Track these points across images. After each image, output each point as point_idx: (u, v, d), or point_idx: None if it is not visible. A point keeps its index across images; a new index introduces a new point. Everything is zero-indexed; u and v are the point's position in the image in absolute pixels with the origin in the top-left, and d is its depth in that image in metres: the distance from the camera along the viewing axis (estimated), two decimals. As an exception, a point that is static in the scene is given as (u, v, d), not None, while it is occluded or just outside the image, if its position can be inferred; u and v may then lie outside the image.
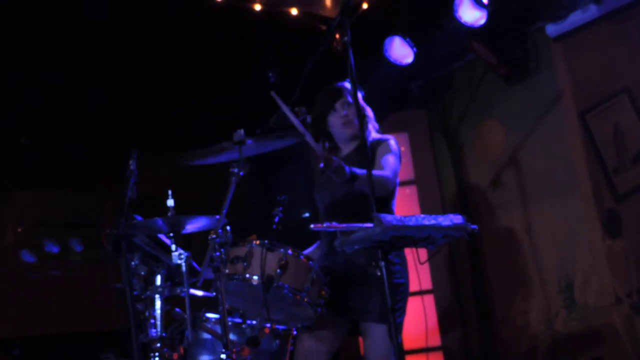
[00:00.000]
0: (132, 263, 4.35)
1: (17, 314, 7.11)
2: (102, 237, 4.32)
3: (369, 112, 4.65)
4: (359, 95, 4.56)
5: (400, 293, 4.35)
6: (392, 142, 4.52)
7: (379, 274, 4.22)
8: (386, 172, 4.30)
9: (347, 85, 4.55)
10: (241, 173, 3.99)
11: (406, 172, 7.13)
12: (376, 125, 4.67)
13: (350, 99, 4.53)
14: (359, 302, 4.33)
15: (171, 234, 4.20)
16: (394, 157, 4.45)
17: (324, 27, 6.51)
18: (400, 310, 4.36)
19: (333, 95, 4.58)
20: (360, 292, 4.33)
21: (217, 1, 6.13)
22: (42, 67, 6.51)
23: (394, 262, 4.30)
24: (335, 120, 4.57)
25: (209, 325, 4.52)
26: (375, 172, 3.61)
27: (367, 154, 4.00)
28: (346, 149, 4.62)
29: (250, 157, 4.12)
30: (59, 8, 5.91)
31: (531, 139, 6.58)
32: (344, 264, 4.39)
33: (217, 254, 3.76)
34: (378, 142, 4.51)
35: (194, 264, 4.28)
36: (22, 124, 7.15)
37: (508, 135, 6.80)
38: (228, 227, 3.82)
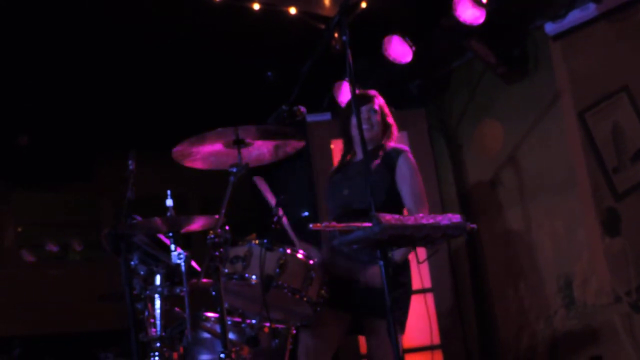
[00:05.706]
0: (132, 263, 4.35)
1: (16, 313, 7.12)
2: (101, 237, 4.32)
3: (391, 119, 4.84)
4: (382, 101, 4.75)
5: (405, 292, 4.39)
6: (410, 155, 4.64)
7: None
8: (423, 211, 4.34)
9: (377, 95, 4.81)
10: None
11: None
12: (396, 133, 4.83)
13: (376, 107, 4.73)
14: (363, 298, 4.35)
15: (170, 234, 4.21)
16: (417, 178, 4.56)
17: (322, 27, 6.50)
18: (404, 310, 4.38)
19: (362, 99, 4.71)
20: (363, 288, 4.34)
21: (216, 1, 6.12)
22: (40, 66, 6.52)
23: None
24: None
25: (209, 325, 4.52)
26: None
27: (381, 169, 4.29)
28: (360, 153, 4.70)
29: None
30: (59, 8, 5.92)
31: (530, 138, 6.58)
32: (346, 262, 4.40)
33: (217, 253, 3.76)
34: (397, 152, 4.63)
35: (194, 263, 4.29)
36: (20, 124, 7.16)
37: (507, 134, 6.79)
38: (227, 227, 3.82)
